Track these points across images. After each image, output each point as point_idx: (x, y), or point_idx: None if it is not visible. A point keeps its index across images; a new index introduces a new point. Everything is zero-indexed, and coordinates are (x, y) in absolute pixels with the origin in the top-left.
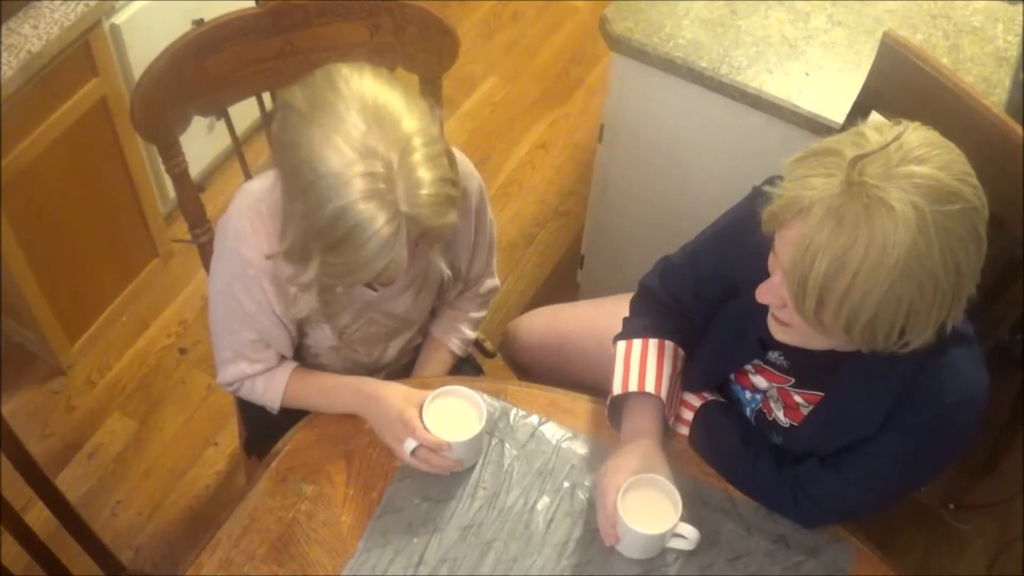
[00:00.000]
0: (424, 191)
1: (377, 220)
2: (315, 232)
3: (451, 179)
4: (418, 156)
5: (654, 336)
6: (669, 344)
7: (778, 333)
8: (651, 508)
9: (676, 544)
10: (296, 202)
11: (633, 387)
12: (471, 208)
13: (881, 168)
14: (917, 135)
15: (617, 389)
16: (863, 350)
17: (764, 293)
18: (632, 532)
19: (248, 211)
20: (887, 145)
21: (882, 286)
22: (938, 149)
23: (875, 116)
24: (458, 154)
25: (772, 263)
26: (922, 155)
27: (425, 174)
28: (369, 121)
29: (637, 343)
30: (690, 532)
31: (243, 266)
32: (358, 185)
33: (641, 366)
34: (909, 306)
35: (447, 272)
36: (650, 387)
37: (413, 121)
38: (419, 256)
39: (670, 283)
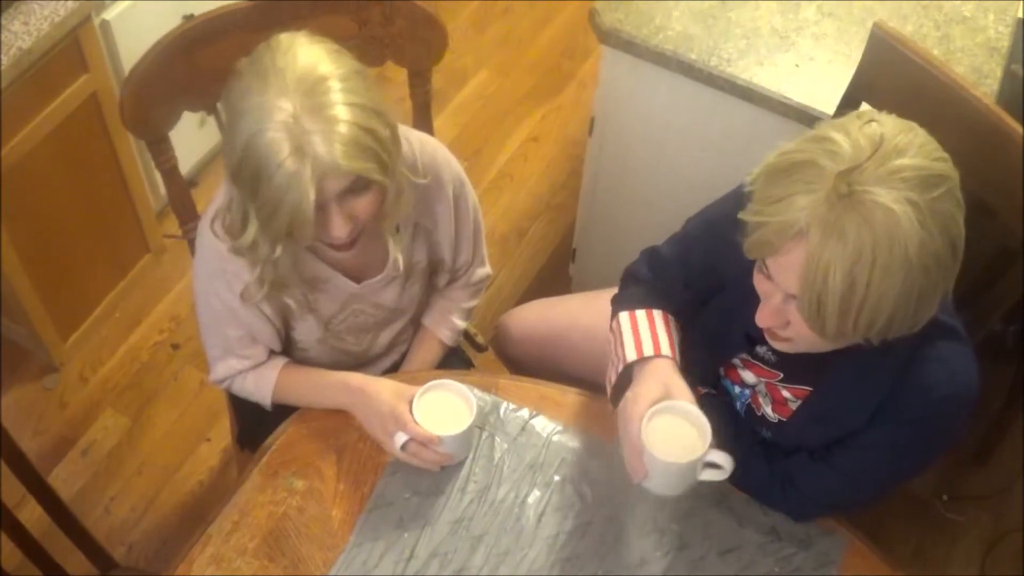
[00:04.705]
0: (339, 127)
1: (282, 149)
2: (235, 172)
3: (372, 130)
4: (334, 96)
5: (655, 307)
6: (669, 316)
7: (781, 347)
8: (679, 437)
9: (708, 476)
10: (226, 149)
11: (649, 351)
12: (448, 197)
13: (867, 173)
14: (887, 127)
15: (632, 355)
16: (874, 343)
17: (766, 318)
18: (661, 464)
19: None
20: (873, 154)
21: (897, 284)
22: (908, 134)
23: (865, 108)
24: (432, 143)
25: (766, 288)
26: (899, 145)
27: (341, 113)
28: (288, 68)
29: (641, 312)
30: (724, 460)
31: (222, 261)
32: (269, 115)
33: (652, 332)
34: (920, 292)
35: (395, 255)
36: (666, 351)
37: (330, 67)
38: (349, 219)
39: (660, 275)
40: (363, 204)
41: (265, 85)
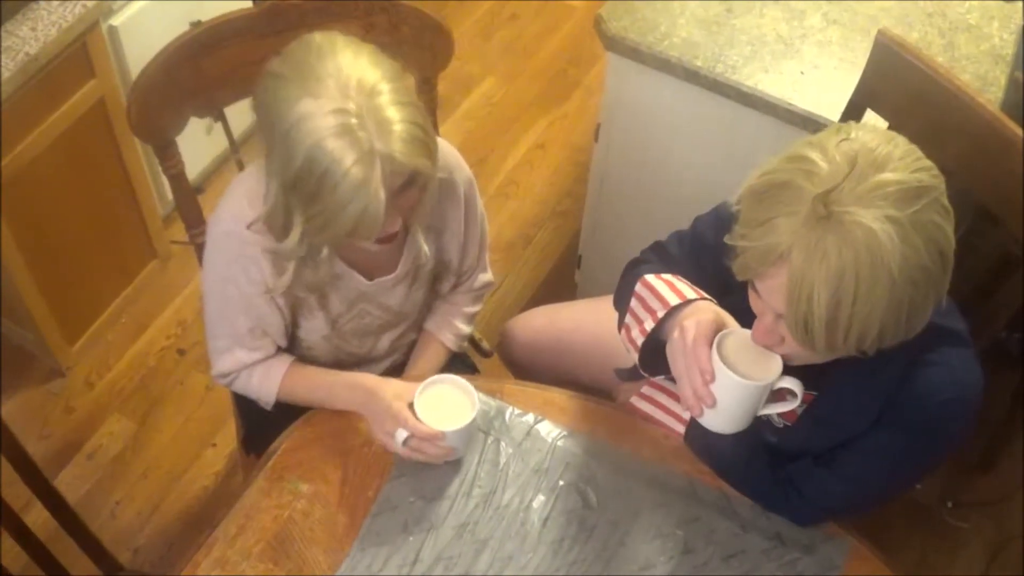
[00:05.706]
0: (395, 127)
1: (347, 158)
2: (292, 182)
3: (422, 125)
4: (385, 98)
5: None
6: None
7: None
8: (752, 362)
9: (771, 410)
10: (274, 156)
11: (692, 296)
12: (460, 198)
13: (845, 193)
14: (864, 142)
15: (674, 300)
16: (869, 354)
17: (761, 336)
18: (738, 387)
19: (246, 193)
20: (850, 173)
21: (882, 300)
22: (887, 146)
23: (870, 115)
24: (445, 145)
25: (758, 306)
26: (877, 159)
27: (395, 113)
28: (339, 73)
29: (668, 275)
30: (796, 385)
31: (241, 245)
32: (328, 123)
33: (688, 285)
34: (910, 304)
35: (427, 251)
36: (708, 297)
37: (378, 71)
38: (399, 213)
39: (672, 269)
40: (410, 197)
41: (317, 89)
